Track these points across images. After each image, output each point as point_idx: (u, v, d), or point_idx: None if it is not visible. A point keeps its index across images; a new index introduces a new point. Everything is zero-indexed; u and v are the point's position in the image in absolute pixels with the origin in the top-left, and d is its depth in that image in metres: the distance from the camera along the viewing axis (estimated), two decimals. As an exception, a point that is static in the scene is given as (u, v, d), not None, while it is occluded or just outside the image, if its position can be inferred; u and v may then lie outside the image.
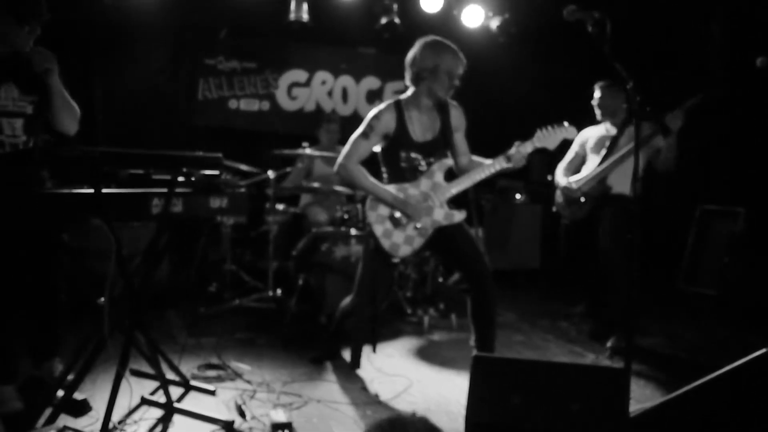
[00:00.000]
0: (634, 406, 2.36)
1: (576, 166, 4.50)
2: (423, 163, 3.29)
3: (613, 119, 4.28)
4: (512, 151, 3.22)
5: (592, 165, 4.31)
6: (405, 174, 3.30)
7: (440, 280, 5.11)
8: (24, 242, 2.81)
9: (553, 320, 4.87)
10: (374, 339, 3.77)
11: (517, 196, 6.84)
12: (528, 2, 6.06)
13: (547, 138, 3.26)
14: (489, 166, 3.26)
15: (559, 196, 4.49)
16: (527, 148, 3.23)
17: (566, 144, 3.33)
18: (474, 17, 6.06)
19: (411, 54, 3.27)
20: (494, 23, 6.08)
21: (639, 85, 2.64)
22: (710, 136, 6.01)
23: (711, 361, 3.77)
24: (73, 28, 2.98)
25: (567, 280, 5.74)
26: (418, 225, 3.23)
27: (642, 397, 3.26)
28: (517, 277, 6.50)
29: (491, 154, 3.36)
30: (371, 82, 6.98)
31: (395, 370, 3.59)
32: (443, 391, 3.28)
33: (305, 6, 5.74)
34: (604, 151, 4.20)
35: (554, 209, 4.58)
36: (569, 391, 2.26)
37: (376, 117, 3.24)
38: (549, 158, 6.90)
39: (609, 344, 4.04)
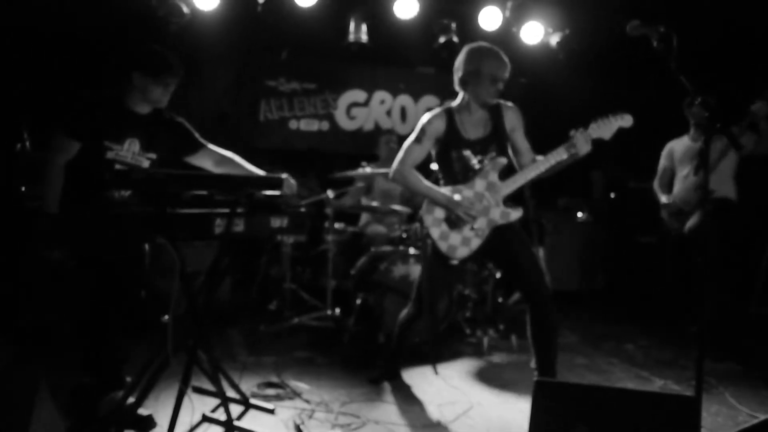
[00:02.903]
0: (707, 437, 2.25)
1: (668, 180, 4.95)
2: (475, 161, 3.28)
3: (700, 131, 4.56)
4: (572, 135, 3.13)
5: (682, 175, 4.74)
6: (458, 176, 3.31)
7: (500, 300, 5.03)
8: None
9: (618, 343, 4.71)
10: (435, 359, 3.73)
11: (579, 214, 6.69)
12: (589, 18, 5.96)
13: (602, 128, 3.15)
14: (544, 161, 3.17)
15: (664, 214, 4.90)
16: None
17: (622, 133, 3.21)
18: (533, 34, 5.99)
19: (457, 60, 3.31)
20: (554, 40, 5.99)
21: (708, 101, 2.55)
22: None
23: (790, 389, 3.61)
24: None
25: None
26: (475, 225, 3.22)
27: (714, 425, 3.11)
28: (579, 297, 6.34)
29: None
30: (430, 101, 6.99)
31: (455, 392, 3.53)
32: (504, 415, 3.21)
33: (364, 27, 5.81)
34: (694, 162, 4.53)
35: (663, 228, 4.96)
36: (637, 420, 2.17)
37: (428, 122, 3.31)
38: (611, 176, 6.80)
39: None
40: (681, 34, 2.57)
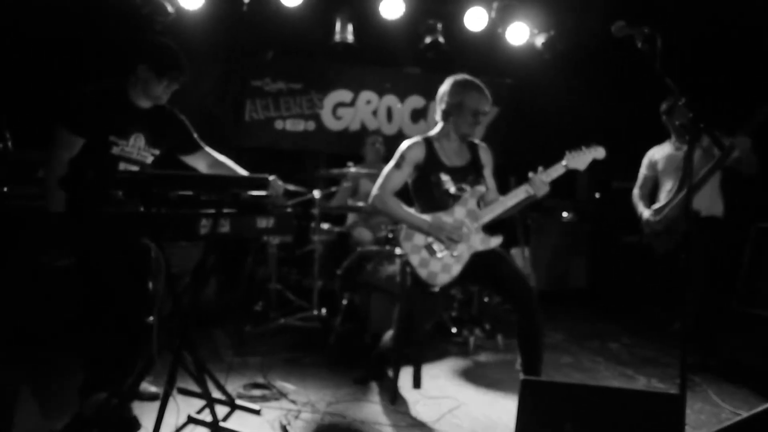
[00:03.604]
0: (691, 434, 2.27)
1: (649, 190, 4.52)
2: (454, 188, 3.30)
3: (682, 138, 4.23)
4: (531, 176, 3.25)
5: (667, 188, 4.29)
6: (437, 201, 3.31)
7: (486, 299, 5.05)
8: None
9: (603, 341, 4.75)
10: (417, 381, 3.66)
11: (564, 214, 6.73)
12: (574, 19, 6.00)
13: (576, 159, 3.27)
14: (514, 195, 3.28)
15: (645, 227, 4.43)
16: (557, 171, 3.27)
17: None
18: (519, 35, 6.01)
19: (440, 91, 3.37)
20: (539, 40, 6.02)
21: (693, 102, 2.57)
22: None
23: (772, 387, 3.65)
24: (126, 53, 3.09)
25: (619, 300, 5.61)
26: (455, 253, 3.21)
27: (698, 423, 3.14)
28: (564, 296, 6.37)
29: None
30: (416, 101, 6.99)
31: (441, 392, 3.54)
32: (490, 414, 3.22)
33: (350, 27, 5.81)
34: (679, 173, 4.16)
35: (643, 242, 4.50)
36: (622, 417, 2.19)
37: (408, 148, 3.33)
38: (595, 176, 6.84)
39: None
40: (666, 35, 2.59)
